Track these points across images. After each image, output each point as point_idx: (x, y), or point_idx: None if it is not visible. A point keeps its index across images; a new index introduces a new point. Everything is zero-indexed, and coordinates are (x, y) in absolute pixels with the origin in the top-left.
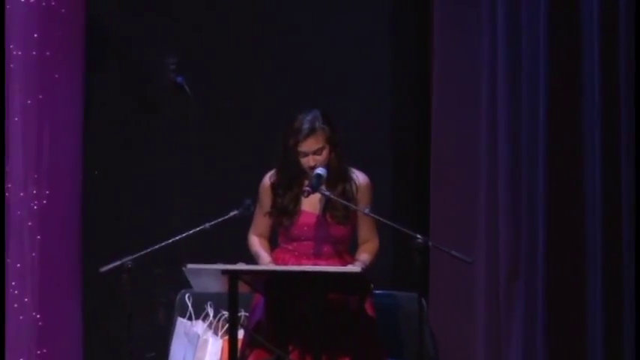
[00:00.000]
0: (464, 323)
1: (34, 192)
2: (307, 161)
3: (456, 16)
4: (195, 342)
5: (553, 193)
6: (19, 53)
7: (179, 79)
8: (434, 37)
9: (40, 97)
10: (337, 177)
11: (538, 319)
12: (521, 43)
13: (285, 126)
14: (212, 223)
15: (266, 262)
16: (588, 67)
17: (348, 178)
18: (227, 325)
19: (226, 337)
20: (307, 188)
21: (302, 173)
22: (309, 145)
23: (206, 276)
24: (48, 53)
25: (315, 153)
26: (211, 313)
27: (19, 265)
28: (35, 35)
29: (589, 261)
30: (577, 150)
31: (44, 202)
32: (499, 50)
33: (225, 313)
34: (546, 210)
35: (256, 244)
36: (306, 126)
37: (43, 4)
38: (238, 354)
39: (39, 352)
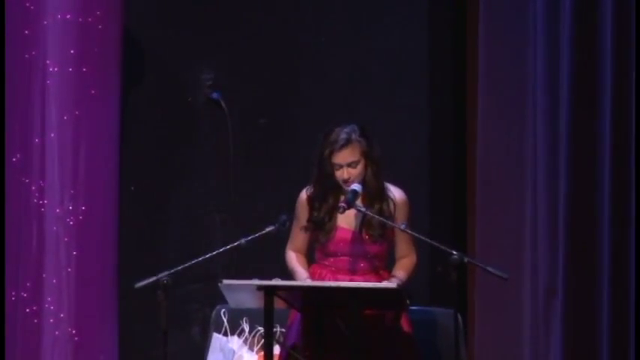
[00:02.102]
0: (509, 341)
1: (70, 208)
2: (341, 174)
3: (500, 30)
4: (231, 358)
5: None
6: (56, 69)
7: (215, 95)
8: (478, 51)
9: (77, 112)
10: (374, 195)
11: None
12: (561, 58)
13: (321, 139)
14: (248, 238)
15: (303, 278)
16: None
17: (385, 197)
18: (262, 341)
19: (261, 353)
20: (342, 204)
21: (337, 186)
22: (344, 156)
23: (242, 292)
24: (84, 69)
25: (349, 165)
26: (247, 329)
27: (55, 280)
28: (72, 51)
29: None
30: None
31: (80, 217)
32: (539, 64)
33: (261, 329)
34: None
35: (293, 260)
36: (342, 136)
37: (80, 20)
38: None
39: None
